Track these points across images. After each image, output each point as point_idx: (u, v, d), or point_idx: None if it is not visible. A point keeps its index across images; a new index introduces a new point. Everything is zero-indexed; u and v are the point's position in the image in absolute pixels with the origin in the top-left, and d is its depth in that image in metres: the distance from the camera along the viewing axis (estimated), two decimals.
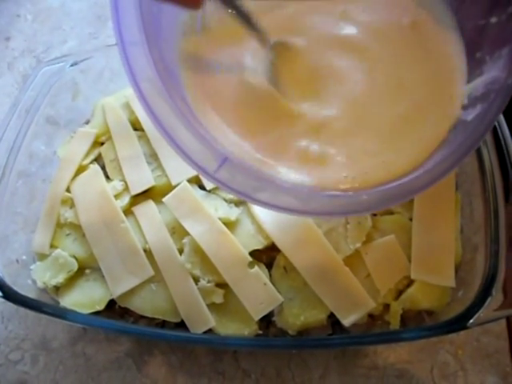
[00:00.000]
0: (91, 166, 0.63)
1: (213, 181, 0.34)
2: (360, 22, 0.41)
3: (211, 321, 0.53)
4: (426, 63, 0.40)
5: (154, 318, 0.55)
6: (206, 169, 0.33)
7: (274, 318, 0.54)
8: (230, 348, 0.58)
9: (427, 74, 0.39)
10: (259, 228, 0.55)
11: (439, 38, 0.40)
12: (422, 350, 0.58)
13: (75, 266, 0.56)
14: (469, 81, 0.37)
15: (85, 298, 0.55)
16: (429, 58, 0.40)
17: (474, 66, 0.36)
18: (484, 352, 0.57)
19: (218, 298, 0.53)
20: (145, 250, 0.56)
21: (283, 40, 0.39)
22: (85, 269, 0.57)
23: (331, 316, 0.53)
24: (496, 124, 0.54)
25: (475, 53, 0.36)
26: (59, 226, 0.59)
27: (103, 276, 0.55)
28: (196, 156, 0.33)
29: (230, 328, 0.53)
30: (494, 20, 0.34)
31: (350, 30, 0.41)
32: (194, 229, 0.55)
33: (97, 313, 0.55)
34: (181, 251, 0.55)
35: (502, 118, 0.54)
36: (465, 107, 0.37)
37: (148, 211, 0.58)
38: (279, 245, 0.54)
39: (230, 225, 0.56)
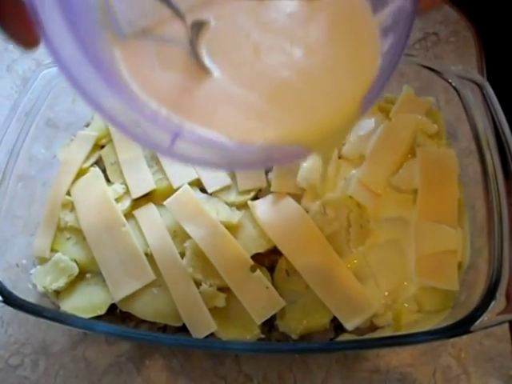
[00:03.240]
0: (92, 169, 0.62)
1: (170, 156, 0.34)
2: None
3: (213, 325, 0.52)
4: (334, 15, 0.40)
5: (155, 323, 0.54)
6: (161, 146, 0.34)
7: (276, 322, 0.54)
8: (232, 352, 0.58)
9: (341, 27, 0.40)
10: (261, 231, 0.55)
11: None
12: (425, 353, 0.58)
13: (76, 270, 0.56)
14: (376, 11, 0.39)
15: (85, 303, 0.55)
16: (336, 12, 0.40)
17: None
18: (487, 355, 0.57)
19: (220, 301, 0.53)
20: (146, 254, 0.55)
21: (201, 18, 0.40)
22: (85, 273, 0.57)
23: (334, 320, 0.53)
24: (499, 127, 0.54)
25: None
26: (59, 229, 0.59)
27: (104, 280, 0.55)
28: (148, 136, 0.34)
29: (232, 332, 0.53)
30: None
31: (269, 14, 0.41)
32: (196, 232, 0.55)
33: (98, 317, 0.54)
34: (182, 255, 0.55)
35: (504, 121, 0.54)
36: (380, 38, 0.38)
37: (149, 215, 0.58)
38: (281, 248, 0.54)
39: (231, 228, 0.56)
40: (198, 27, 0.39)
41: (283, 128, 0.36)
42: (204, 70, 0.38)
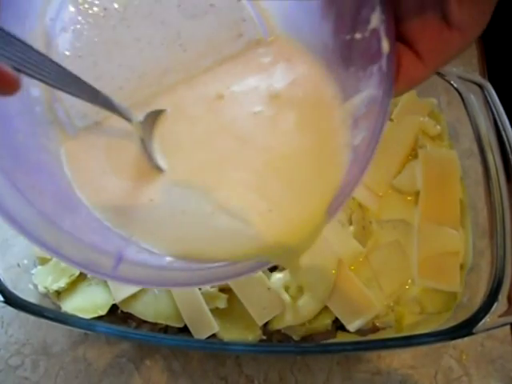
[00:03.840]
0: None
1: (113, 279, 0.31)
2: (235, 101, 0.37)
3: (215, 326, 0.52)
4: (302, 113, 0.36)
5: (156, 323, 0.54)
6: (103, 271, 0.30)
7: None
8: (233, 353, 0.58)
9: (309, 123, 0.36)
10: None
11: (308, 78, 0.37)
12: (426, 355, 0.58)
13: (77, 271, 0.56)
14: (347, 97, 0.35)
15: (87, 303, 0.54)
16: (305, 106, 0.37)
17: (350, 81, 0.35)
18: (488, 357, 0.57)
19: (222, 302, 0.53)
20: None
21: (156, 108, 0.37)
22: None
23: (335, 321, 0.53)
24: (501, 128, 0.54)
25: (348, 67, 0.35)
26: None
27: (105, 280, 0.55)
28: (84, 259, 0.30)
29: (233, 333, 0.53)
30: (358, 36, 0.33)
31: (225, 111, 0.37)
32: None
33: (99, 318, 0.54)
34: None
35: (506, 122, 0.54)
36: (351, 129, 0.35)
37: None
38: None
39: None
40: (154, 117, 0.36)
41: (241, 244, 0.32)
42: (157, 168, 0.35)
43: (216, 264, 0.32)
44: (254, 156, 0.35)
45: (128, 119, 0.35)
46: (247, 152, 0.35)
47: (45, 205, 0.32)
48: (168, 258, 0.33)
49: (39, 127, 0.36)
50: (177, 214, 0.33)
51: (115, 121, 0.35)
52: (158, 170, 0.35)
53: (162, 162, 0.35)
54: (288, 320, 0.53)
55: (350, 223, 0.55)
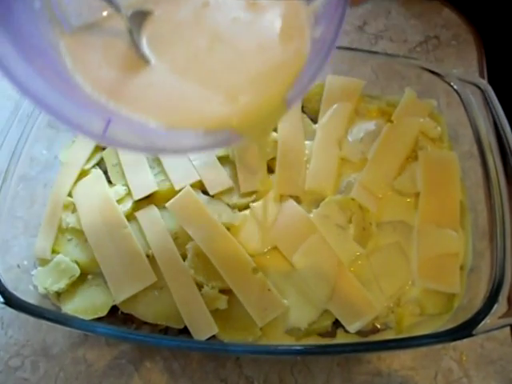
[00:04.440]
0: (93, 170, 0.62)
1: (104, 142, 0.37)
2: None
3: (215, 327, 0.52)
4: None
5: (156, 324, 0.54)
6: (94, 132, 0.35)
7: None
8: (233, 355, 0.58)
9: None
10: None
11: None
12: (426, 356, 0.58)
13: (77, 272, 0.56)
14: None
15: (87, 304, 0.54)
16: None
17: None
18: (488, 358, 0.57)
19: (222, 304, 0.53)
20: (148, 256, 0.55)
21: (144, 8, 0.41)
22: (87, 274, 0.57)
23: (336, 322, 0.53)
24: (500, 129, 0.55)
25: None
26: (61, 231, 0.59)
27: (105, 282, 0.55)
28: (80, 121, 0.35)
29: (233, 334, 0.53)
30: None
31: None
32: (198, 234, 0.55)
33: (99, 319, 0.54)
34: (184, 257, 0.55)
35: (506, 123, 0.54)
36: (313, 25, 0.40)
37: (151, 216, 0.58)
38: (283, 250, 0.54)
39: (233, 230, 0.55)
40: (142, 17, 0.41)
41: (211, 113, 0.37)
42: (144, 59, 0.39)
43: (195, 137, 0.38)
44: (230, 52, 0.40)
45: (116, 8, 0.39)
46: (225, 49, 0.40)
47: (45, 75, 0.36)
48: (154, 129, 0.37)
49: (39, 22, 0.40)
50: (167, 93, 0.39)
51: (108, 21, 0.41)
52: (146, 61, 0.40)
53: (150, 54, 0.40)
54: (288, 321, 0.53)
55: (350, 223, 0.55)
